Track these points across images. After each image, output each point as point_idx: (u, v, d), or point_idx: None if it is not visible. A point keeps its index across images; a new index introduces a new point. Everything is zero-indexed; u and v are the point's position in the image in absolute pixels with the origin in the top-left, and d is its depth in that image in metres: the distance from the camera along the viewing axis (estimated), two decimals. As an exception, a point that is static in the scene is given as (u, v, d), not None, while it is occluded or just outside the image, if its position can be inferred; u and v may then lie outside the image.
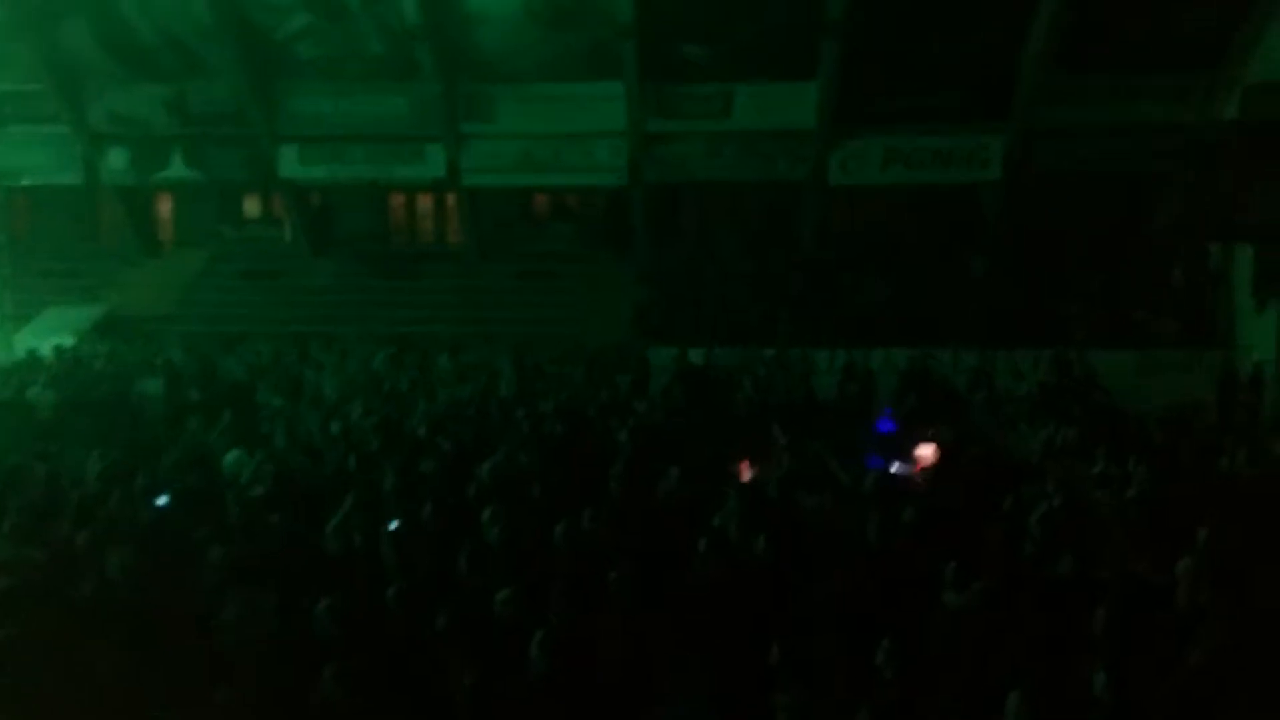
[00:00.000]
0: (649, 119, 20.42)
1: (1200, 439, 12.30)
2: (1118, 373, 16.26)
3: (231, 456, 11.20)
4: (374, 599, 7.37)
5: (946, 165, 20.29)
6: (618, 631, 6.98)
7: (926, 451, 12.04)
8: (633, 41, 18.84)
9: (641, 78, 19.66)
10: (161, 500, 9.68)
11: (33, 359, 18.18)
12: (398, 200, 24.28)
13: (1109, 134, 19.51)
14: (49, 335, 19.93)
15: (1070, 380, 16.07)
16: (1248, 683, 6.34)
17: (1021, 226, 20.24)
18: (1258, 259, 17.12)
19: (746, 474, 11.31)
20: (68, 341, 19.30)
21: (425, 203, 24.18)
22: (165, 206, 24.72)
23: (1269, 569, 7.78)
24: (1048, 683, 5.95)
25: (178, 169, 22.15)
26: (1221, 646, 6.49)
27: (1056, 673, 6.23)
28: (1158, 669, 6.47)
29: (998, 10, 18.02)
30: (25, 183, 22.73)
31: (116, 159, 22.16)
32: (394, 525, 8.81)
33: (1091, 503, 9.57)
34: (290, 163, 21.81)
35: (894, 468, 11.85)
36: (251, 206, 24.69)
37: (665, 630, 7.10)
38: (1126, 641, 6.56)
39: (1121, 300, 18.56)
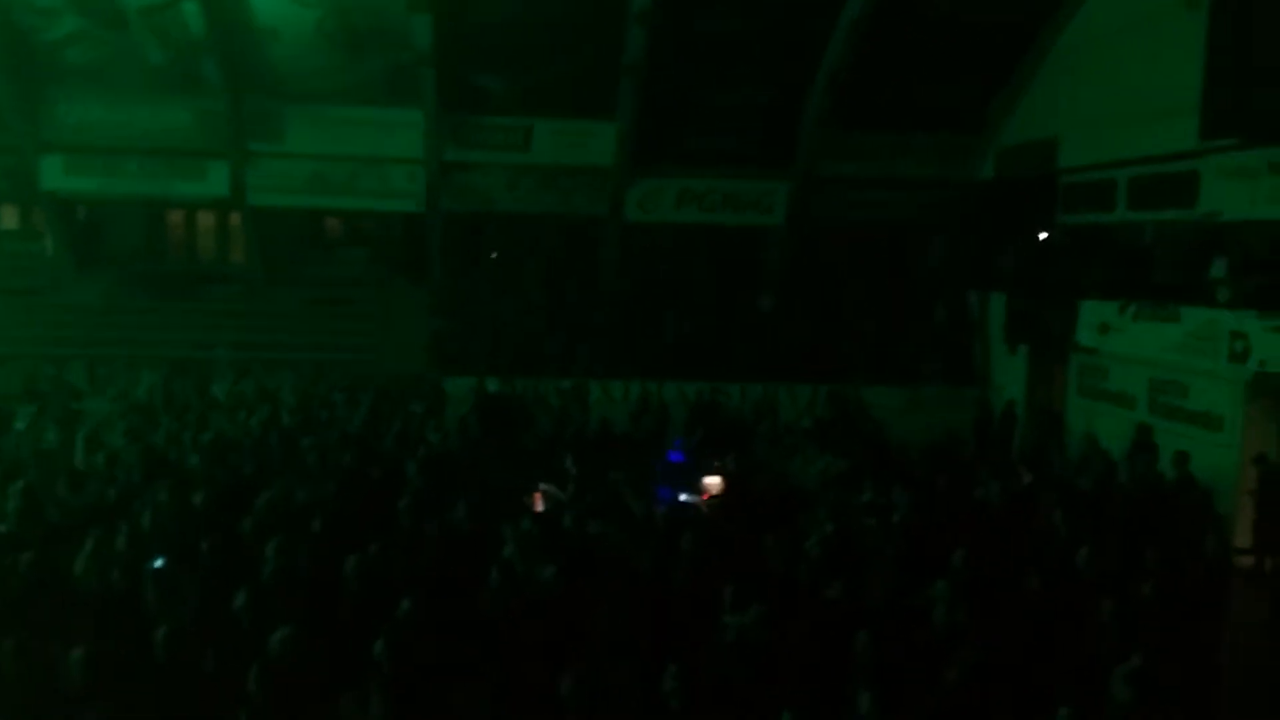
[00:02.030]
0: (447, 147, 20.29)
1: (958, 470, 13.30)
2: (887, 407, 17.38)
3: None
4: (136, 643, 6.87)
5: (736, 208, 21.25)
6: (408, 664, 6.81)
7: (713, 481, 12.47)
8: (432, 69, 18.69)
9: (440, 106, 19.53)
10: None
11: None
12: (176, 217, 22.93)
13: (881, 186, 21.03)
14: None
15: (845, 414, 17.06)
16: (1001, 699, 6.86)
17: (803, 269, 21.39)
18: (1008, 307, 18.76)
19: (539, 504, 11.37)
20: None
21: (207, 221, 22.95)
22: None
23: (1017, 590, 8.47)
24: (818, 703, 6.23)
25: (-75, 176, 20.15)
26: (976, 664, 6.99)
27: (826, 693, 6.54)
28: (917, 687, 6.91)
29: (785, 66, 19.10)
30: None
31: None
32: (159, 562, 8.26)
33: (861, 529, 10.15)
34: (54, 174, 20.20)
35: (682, 497, 12.20)
36: (9, 218, 22.69)
37: (454, 662, 7.00)
38: (888, 661, 6.97)
39: (891, 340, 19.88)
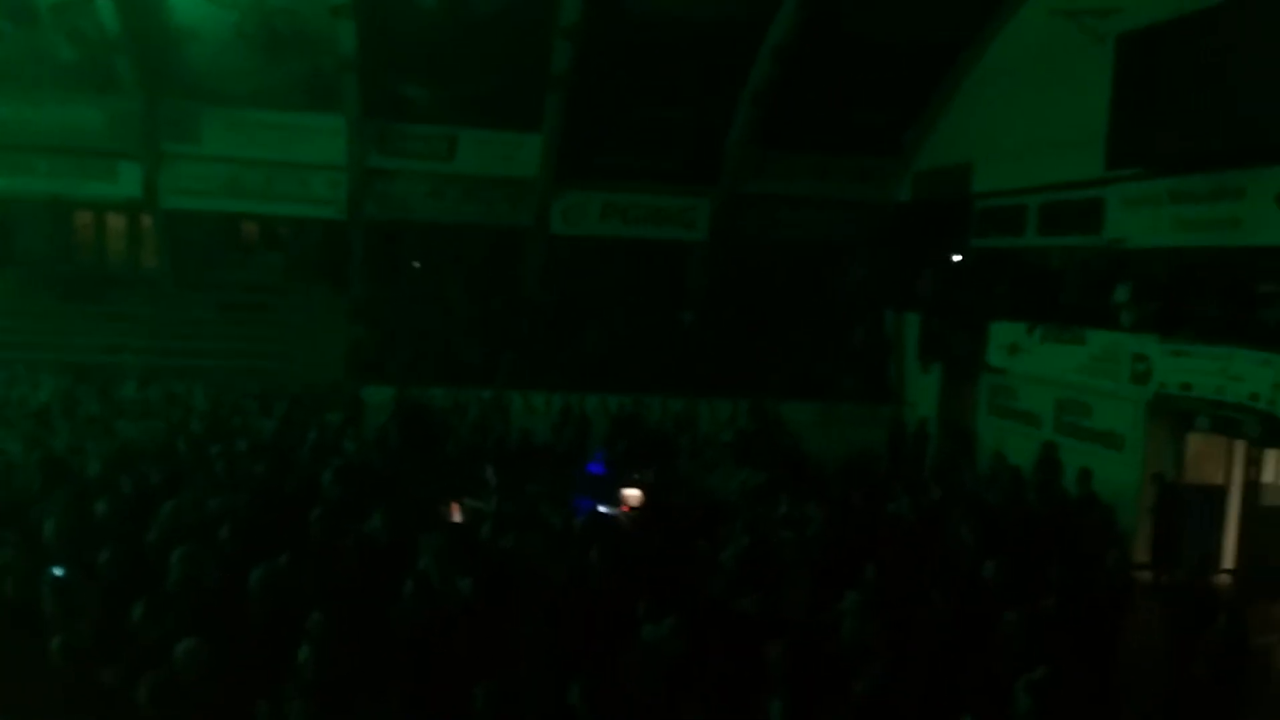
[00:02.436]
0: (370, 155, 20.08)
1: (872, 485, 13.56)
2: (804, 423, 17.65)
3: None
4: (31, 654, 6.62)
5: (659, 223, 21.45)
6: (329, 674, 6.68)
7: (633, 493, 12.50)
8: (354, 76, 18.48)
9: (363, 113, 19.31)
10: None
11: None
12: (85, 218, 22.20)
13: (803, 206, 21.43)
14: None
15: (764, 428, 17.27)
16: (907, 710, 7.00)
17: (726, 284, 21.63)
18: (923, 327, 19.22)
19: (457, 515, 11.27)
20: None
21: (117, 223, 22.26)
22: None
23: (926, 603, 8.66)
24: (729, 715, 6.28)
25: None
26: (883, 676, 7.11)
27: (738, 704, 6.60)
28: (827, 698, 7.00)
29: (711, 85, 19.36)
30: None
31: None
32: (58, 572, 7.96)
33: (777, 542, 10.26)
34: (-42, 171, 19.47)
35: (602, 509, 12.20)
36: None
37: (365, 674, 6.88)
38: (800, 672, 7.05)
39: (810, 357, 20.20)
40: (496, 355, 19.54)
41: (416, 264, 22.74)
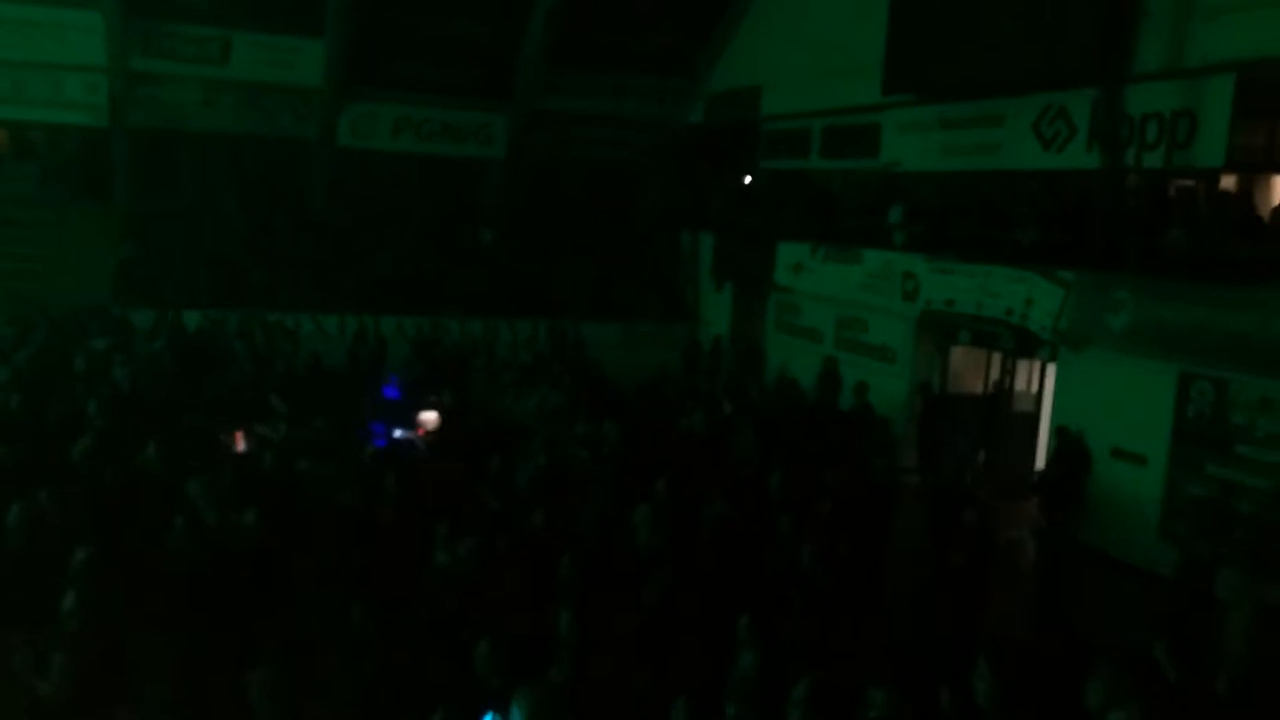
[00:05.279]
0: (133, 56, 18.44)
1: (667, 402, 13.98)
2: (604, 343, 17.88)
3: None
4: None
5: (455, 139, 20.88)
6: (86, 620, 6.32)
7: (430, 417, 12.37)
8: (113, -33, 16.86)
9: (124, 10, 17.65)
10: None
11: None
12: None
13: (601, 125, 21.36)
14: None
15: (563, 349, 17.39)
16: (692, 613, 7.34)
17: (525, 204, 21.38)
18: (716, 247, 19.75)
19: (241, 444, 10.83)
20: None
21: None
22: None
23: (713, 512, 9.06)
24: (516, 629, 6.40)
25: None
26: (671, 583, 7.43)
27: (527, 619, 6.75)
28: (616, 608, 7.26)
29: (503, -1, 18.84)
30: None
31: None
32: None
33: (572, 461, 10.46)
34: None
35: (398, 433, 12.03)
36: None
37: (136, 615, 6.57)
38: (589, 585, 7.27)
39: (609, 277, 20.39)
40: (281, 276, 18.65)
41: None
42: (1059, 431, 11.87)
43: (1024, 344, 13.10)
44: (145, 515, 7.89)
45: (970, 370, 14.64)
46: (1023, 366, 13.86)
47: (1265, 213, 11.06)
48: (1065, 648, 5.57)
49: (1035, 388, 13.68)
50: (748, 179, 20.25)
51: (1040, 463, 12.79)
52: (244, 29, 18.78)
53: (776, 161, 19.43)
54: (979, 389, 14.59)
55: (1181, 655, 5.39)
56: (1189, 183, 12.20)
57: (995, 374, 14.36)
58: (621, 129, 21.58)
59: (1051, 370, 12.91)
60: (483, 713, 5.32)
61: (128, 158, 19.45)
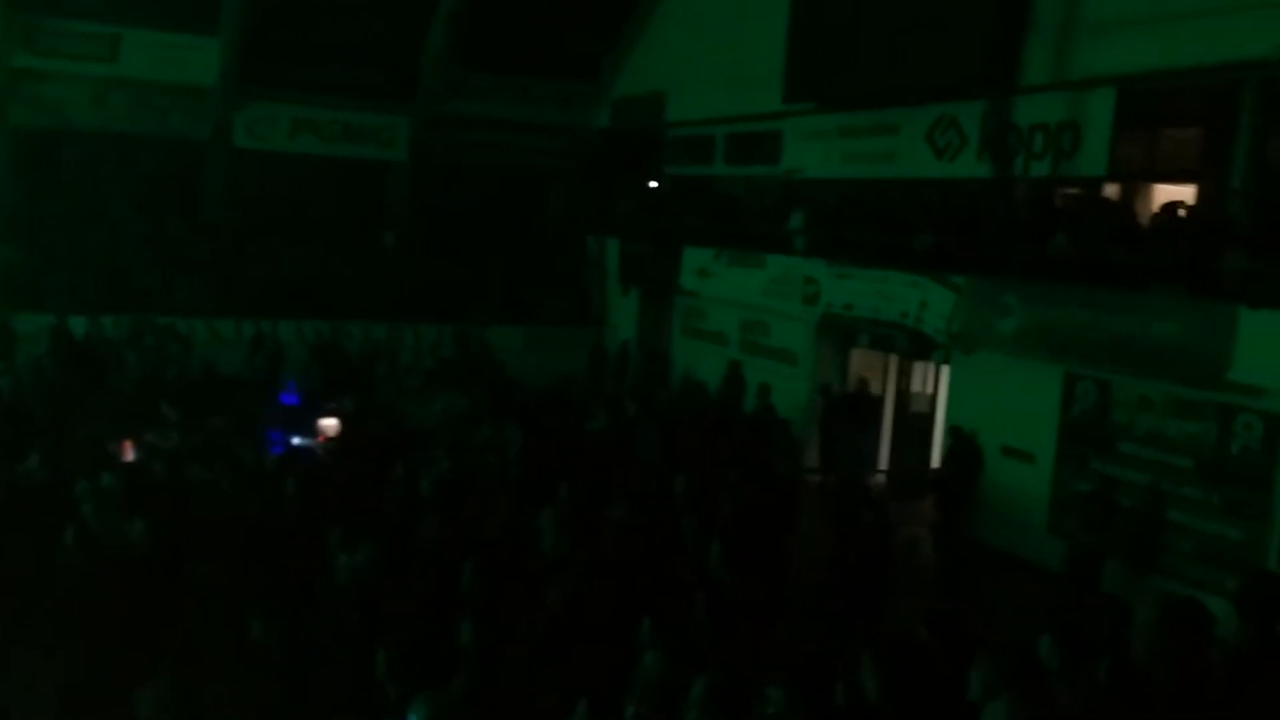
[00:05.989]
0: (16, 52, 17.70)
1: (572, 406, 13.98)
2: (510, 347, 17.79)
3: None
4: None
5: (356, 141, 20.52)
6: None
7: (329, 423, 12.16)
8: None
9: (5, 5, 16.91)
10: None
11: None
12: None
13: (505, 129, 21.25)
14: None
15: (468, 354, 17.25)
16: (597, 618, 7.35)
17: (428, 207, 21.13)
18: (622, 252, 19.83)
19: (130, 453, 10.47)
20: None
21: None
22: None
23: (616, 515, 9.09)
24: (418, 637, 6.32)
25: None
26: (575, 588, 7.42)
27: (429, 627, 6.66)
28: (520, 614, 7.22)
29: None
30: None
31: None
32: None
33: (477, 466, 10.39)
34: None
35: (296, 440, 11.79)
36: None
37: (20, 631, 6.32)
38: (492, 591, 7.22)
39: (515, 281, 20.28)
40: (174, 279, 18.07)
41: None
42: (953, 431, 12.26)
43: (919, 347, 13.48)
44: (29, 527, 7.57)
45: (869, 372, 15.01)
46: (918, 369, 14.26)
47: (1145, 220, 11.59)
48: (954, 642, 5.73)
49: (931, 389, 14.09)
50: (653, 184, 20.40)
51: (936, 462, 13.17)
52: (135, 25, 18.16)
53: (681, 167, 19.62)
54: (878, 390, 14.96)
55: (1066, 645, 5.60)
56: (1074, 191, 12.72)
57: (893, 376, 14.75)
58: (527, 133, 21.50)
59: (946, 372, 13.31)
60: (382, 724, 5.25)
61: (9, 157, 18.62)
